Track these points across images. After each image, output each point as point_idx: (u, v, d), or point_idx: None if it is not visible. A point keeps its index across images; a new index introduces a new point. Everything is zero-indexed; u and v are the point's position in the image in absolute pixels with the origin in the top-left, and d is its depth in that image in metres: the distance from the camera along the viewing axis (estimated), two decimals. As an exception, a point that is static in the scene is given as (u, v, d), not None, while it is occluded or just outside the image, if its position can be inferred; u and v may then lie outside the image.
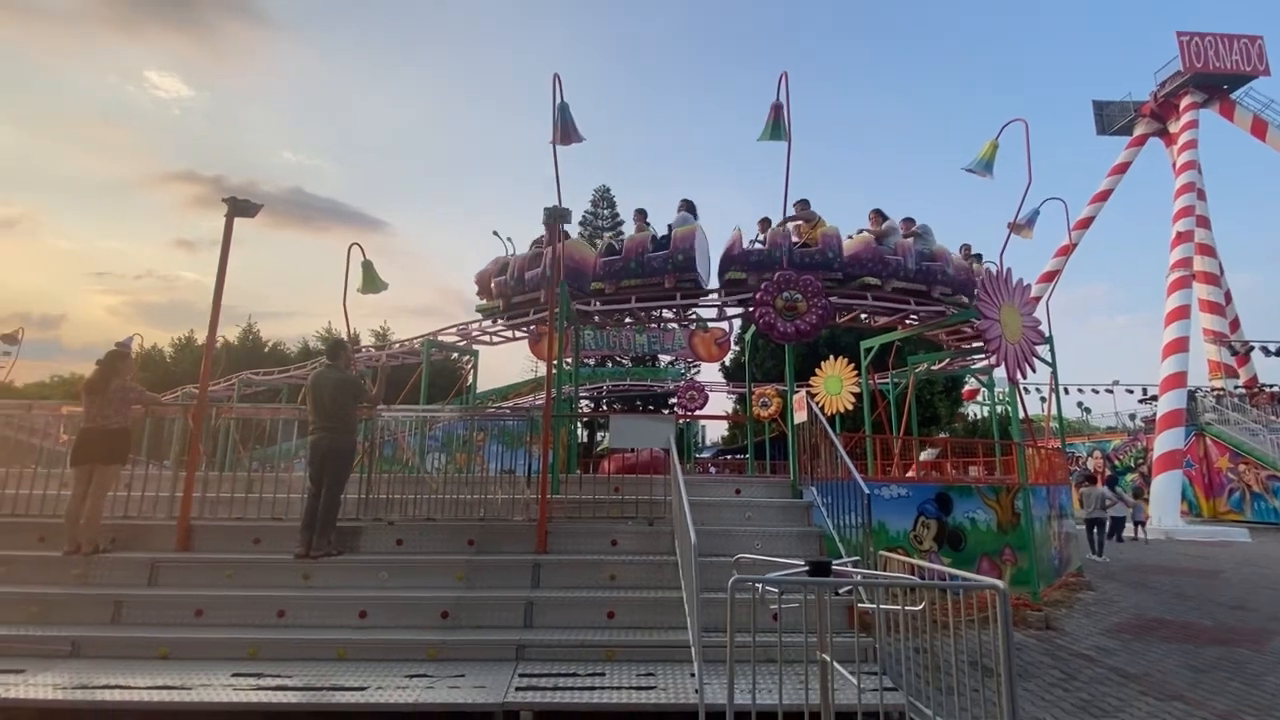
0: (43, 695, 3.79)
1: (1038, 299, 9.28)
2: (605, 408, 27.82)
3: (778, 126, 6.96)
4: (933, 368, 12.19)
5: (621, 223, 32.59)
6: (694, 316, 12.48)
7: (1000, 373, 8.68)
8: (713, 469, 23.42)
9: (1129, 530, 15.72)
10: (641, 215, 9.06)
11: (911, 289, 8.66)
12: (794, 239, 8.49)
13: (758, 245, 8.58)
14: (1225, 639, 6.13)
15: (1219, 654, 5.62)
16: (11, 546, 5.42)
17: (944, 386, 28.20)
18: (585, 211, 34.77)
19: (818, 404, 9.40)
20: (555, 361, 6.69)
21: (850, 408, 11.90)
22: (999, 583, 2.88)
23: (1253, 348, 26.57)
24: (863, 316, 9.92)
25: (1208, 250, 26.31)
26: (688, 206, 8.73)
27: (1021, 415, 9.00)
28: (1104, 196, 29.23)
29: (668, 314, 10.10)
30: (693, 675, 4.05)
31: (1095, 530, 12.07)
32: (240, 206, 5.97)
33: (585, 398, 25.69)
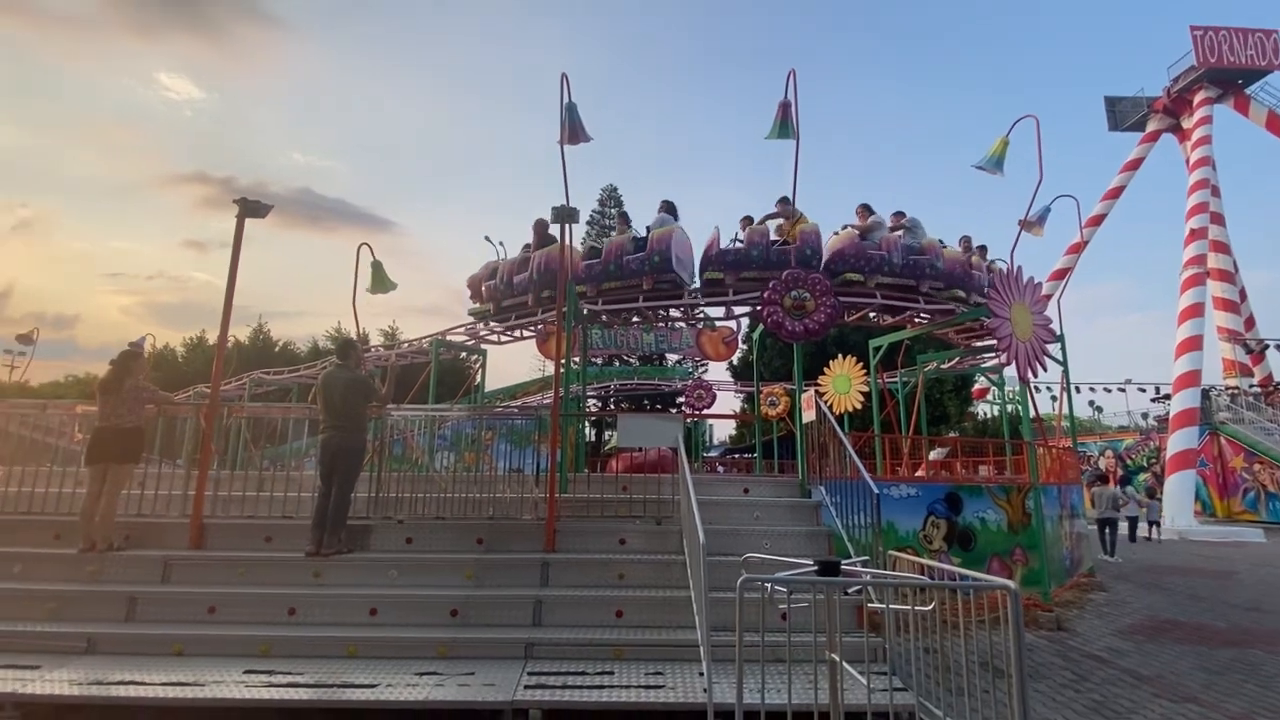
0: (59, 691, 3.84)
1: (1049, 297, 9.22)
2: (613, 407, 27.85)
3: (785, 125, 6.94)
4: (942, 366, 12.13)
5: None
6: (701, 315, 12.47)
7: (1011, 371, 8.62)
8: (721, 468, 23.40)
9: (1142, 530, 15.58)
10: (624, 219, 9.09)
11: (898, 284, 8.58)
12: (773, 237, 8.48)
13: (738, 244, 8.58)
14: (1240, 640, 6.06)
15: (1233, 656, 5.56)
16: (28, 544, 5.49)
17: (953, 385, 28.02)
18: (592, 211, 34.78)
19: (826, 403, 9.38)
20: (563, 360, 6.69)
21: (859, 407, 11.86)
22: (1010, 583, 2.86)
23: (1268, 346, 26.26)
24: (871, 315, 9.87)
25: (1222, 247, 25.97)
26: (667, 207, 8.74)
27: (1032, 414, 8.93)
28: (1116, 193, 28.92)
29: (675, 313, 10.10)
30: (701, 675, 4.04)
31: (1107, 530, 11.96)
32: (251, 207, 6.02)
33: (593, 397, 25.73)
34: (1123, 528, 13.96)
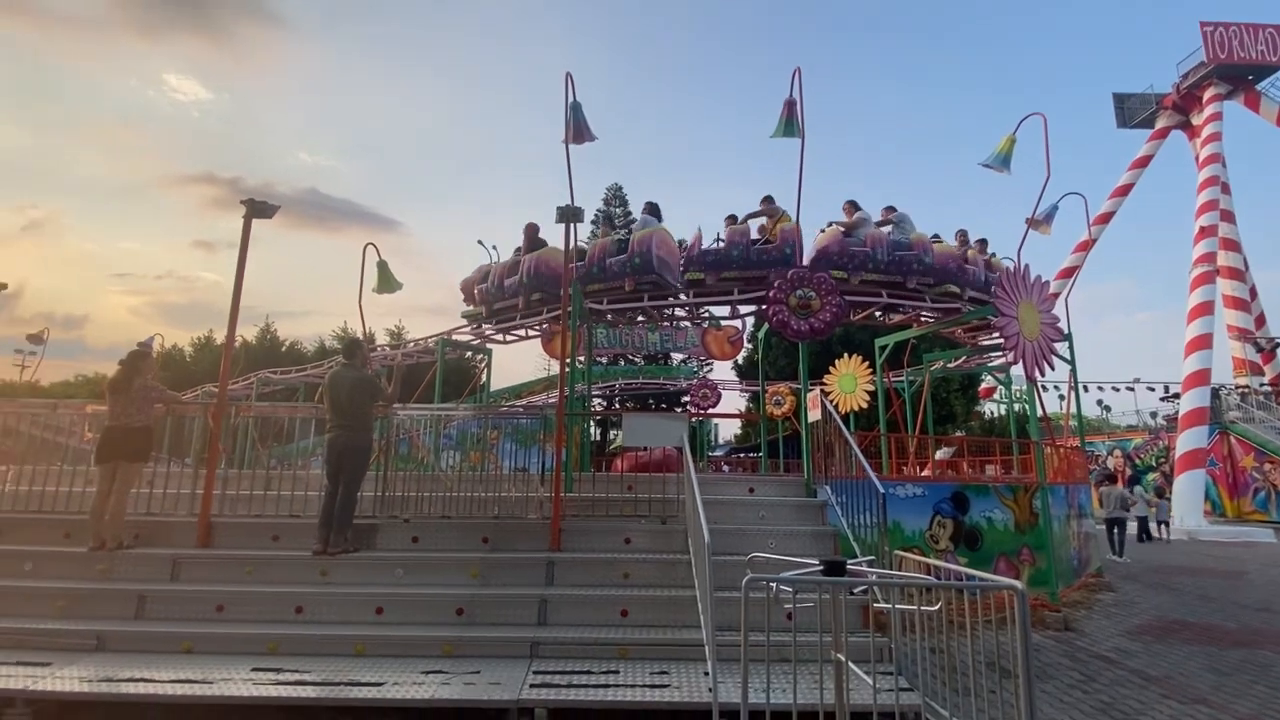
0: (69, 688, 3.87)
1: (1056, 295, 9.16)
2: (618, 406, 27.87)
3: (791, 122, 6.93)
4: (949, 365, 12.07)
5: (634, 221, 32.57)
6: (706, 314, 12.48)
7: (1018, 370, 8.57)
8: (726, 467, 23.38)
9: (1152, 529, 15.47)
10: (608, 221, 9.13)
11: (883, 281, 8.53)
12: (754, 236, 8.48)
13: (719, 244, 8.60)
14: (1250, 641, 6.02)
15: (1243, 656, 5.52)
16: (38, 542, 5.54)
17: (960, 384, 27.92)
18: (597, 210, 34.80)
19: (832, 402, 9.35)
20: (568, 360, 6.70)
21: (865, 406, 11.82)
22: (1017, 583, 2.84)
23: (1278, 344, 26.00)
24: (877, 314, 9.84)
25: (1232, 245, 25.71)
26: (651, 209, 8.79)
27: (1040, 413, 8.88)
28: (1125, 191, 28.72)
29: (680, 312, 10.11)
30: (707, 674, 4.04)
31: (1116, 530, 11.89)
32: (258, 208, 6.05)
33: (598, 396, 25.76)
34: (1132, 527, 13.88)
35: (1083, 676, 4.87)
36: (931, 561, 4.00)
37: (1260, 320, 28.17)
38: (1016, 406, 13.26)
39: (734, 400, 30.66)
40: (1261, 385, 25.26)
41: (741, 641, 2.92)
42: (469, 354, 12.62)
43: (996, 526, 6.84)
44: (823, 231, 8.70)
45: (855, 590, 4.41)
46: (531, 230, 9.43)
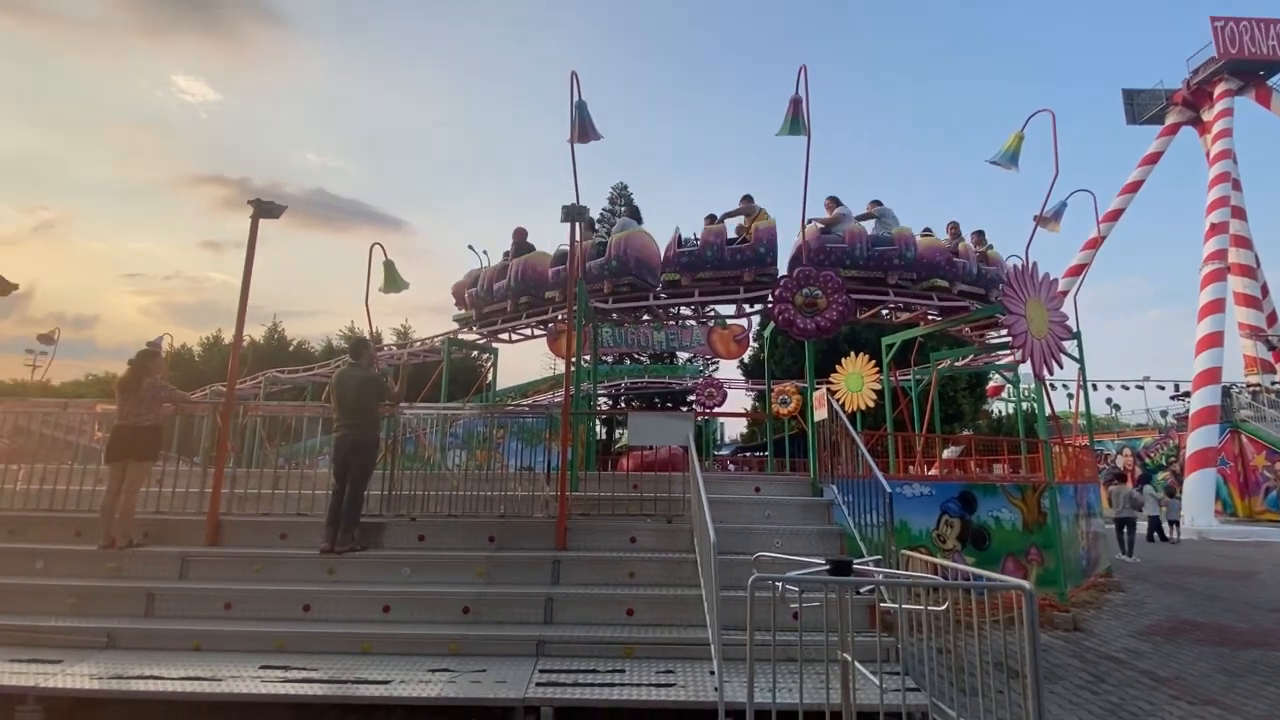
0: (80, 685, 3.91)
1: (1065, 293, 9.12)
2: (624, 405, 27.86)
3: (797, 120, 6.90)
4: (956, 364, 12.01)
5: (639, 220, 32.42)
6: (712, 313, 12.47)
7: (1026, 369, 8.52)
8: (731, 466, 23.36)
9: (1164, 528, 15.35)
10: (589, 224, 9.16)
11: (862, 277, 8.45)
12: (731, 235, 8.49)
13: (693, 245, 8.63)
14: (1261, 642, 5.96)
15: (1255, 657, 5.46)
16: (49, 540, 5.60)
17: (968, 383, 27.73)
18: (602, 209, 34.78)
19: (838, 401, 9.32)
20: (574, 359, 6.71)
21: (871, 405, 11.77)
22: (1025, 583, 2.82)
23: (1291, 342, 25.73)
24: (884, 312, 9.79)
25: (1243, 242, 25.49)
26: (631, 212, 8.90)
27: (1048, 412, 8.83)
28: (1134, 188, 28.51)
29: (685, 311, 10.12)
30: (712, 673, 4.04)
31: (1125, 530, 11.80)
32: (265, 208, 6.08)
33: (603, 395, 25.75)
34: (1142, 527, 13.77)
35: (1092, 677, 4.84)
36: (939, 561, 3.98)
37: (1272, 318, 27.91)
38: (1025, 405, 13.19)
39: (740, 399, 30.58)
40: (1273, 383, 24.99)
41: (747, 641, 2.91)
42: (475, 353, 12.66)
43: (1004, 526, 6.80)
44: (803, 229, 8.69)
45: (862, 590, 4.40)
46: (520, 234, 9.63)
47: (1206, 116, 26.01)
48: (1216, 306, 20.28)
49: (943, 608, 3.21)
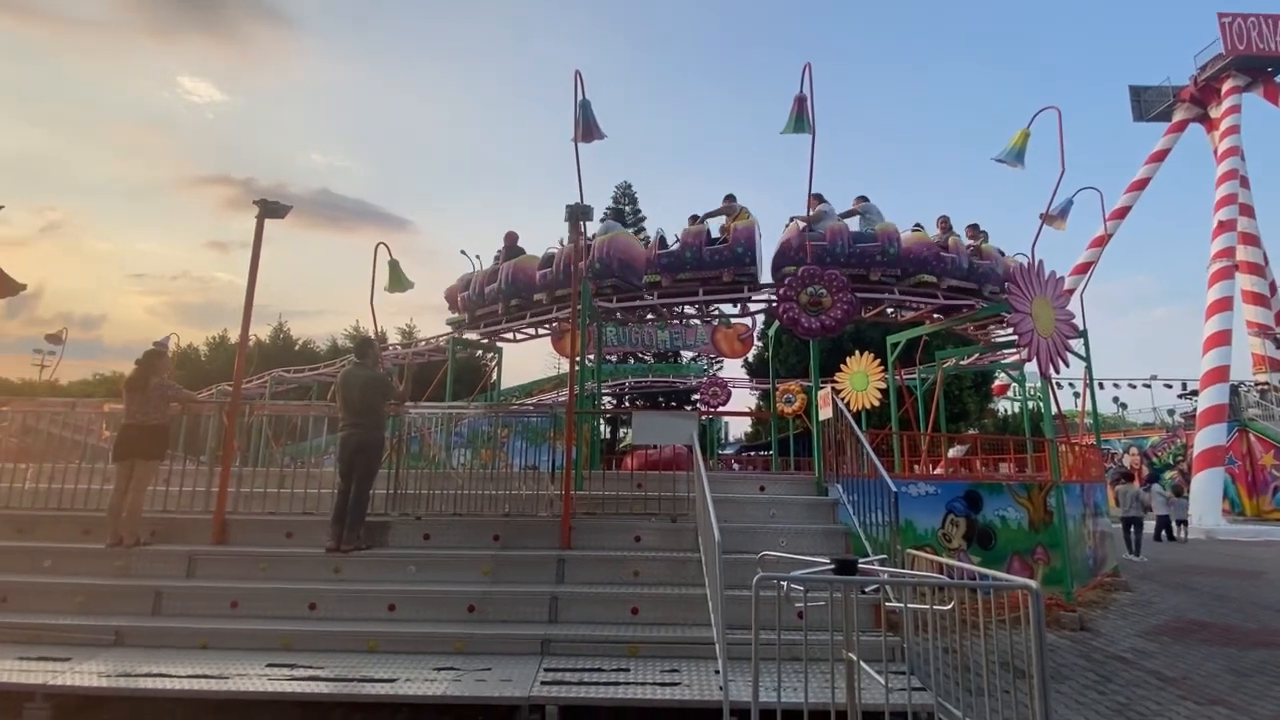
0: (87, 683, 3.93)
1: (1071, 291, 9.03)
2: (628, 404, 27.88)
3: (801, 119, 6.89)
4: (961, 362, 11.97)
5: (644, 219, 32.56)
6: (717, 312, 12.47)
7: (1032, 367, 8.47)
8: (736, 465, 23.34)
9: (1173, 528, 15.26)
10: (578, 227, 9.20)
11: (844, 274, 8.42)
12: (714, 235, 8.52)
13: (675, 245, 8.66)
14: (1270, 642, 5.92)
15: (1262, 657, 5.43)
16: (57, 539, 5.64)
17: (973, 382, 27.67)
18: (606, 208, 34.77)
19: (843, 400, 9.30)
20: (578, 358, 6.71)
21: (876, 404, 11.76)
22: (1031, 582, 2.81)
23: (1299, 340, 25.52)
24: (889, 311, 9.76)
25: (1251, 240, 25.27)
26: (615, 215, 8.94)
27: (1054, 410, 8.79)
28: (1141, 185, 28.31)
29: (690, 310, 10.13)
30: (717, 672, 4.03)
31: (1132, 529, 11.74)
32: (270, 208, 6.10)
33: (608, 394, 25.77)
34: (1149, 526, 13.69)
35: (1098, 677, 4.82)
36: (944, 560, 3.97)
37: (1280, 316, 27.70)
38: (1030, 404, 13.13)
39: (744, 398, 30.58)
40: (1282, 382, 24.84)
41: (752, 640, 2.91)
42: (480, 352, 12.70)
43: (1010, 525, 6.78)
44: (785, 227, 8.70)
45: (867, 589, 4.39)
46: (511, 238, 9.74)
47: (1214, 113, 25.81)
48: (1224, 304, 20.16)
49: (948, 607, 3.20)
